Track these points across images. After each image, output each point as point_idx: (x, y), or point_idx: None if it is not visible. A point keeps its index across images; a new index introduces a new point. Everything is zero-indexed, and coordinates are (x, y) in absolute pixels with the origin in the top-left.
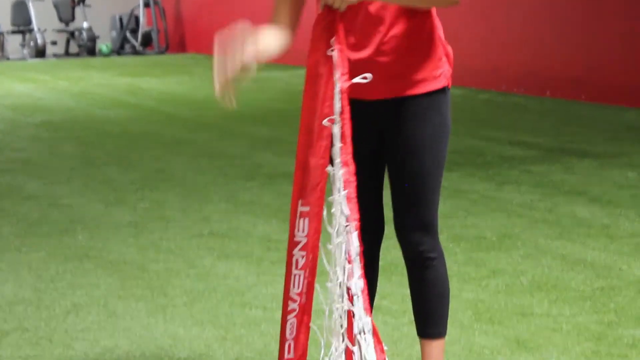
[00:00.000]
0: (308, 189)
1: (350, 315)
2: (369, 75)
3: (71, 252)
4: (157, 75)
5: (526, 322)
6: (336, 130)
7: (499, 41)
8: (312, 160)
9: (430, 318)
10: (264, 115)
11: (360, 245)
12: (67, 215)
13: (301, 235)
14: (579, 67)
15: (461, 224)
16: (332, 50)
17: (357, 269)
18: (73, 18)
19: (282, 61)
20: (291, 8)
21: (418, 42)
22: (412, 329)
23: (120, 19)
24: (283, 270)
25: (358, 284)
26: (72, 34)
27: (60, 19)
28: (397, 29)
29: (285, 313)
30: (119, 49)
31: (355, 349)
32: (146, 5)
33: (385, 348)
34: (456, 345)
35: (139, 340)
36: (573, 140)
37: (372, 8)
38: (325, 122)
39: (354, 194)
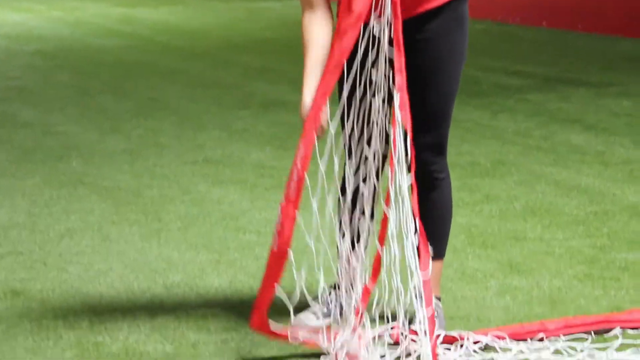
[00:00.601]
0: None
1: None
2: None
3: (65, 178)
4: (152, 5)
5: (519, 246)
6: None
7: None
8: None
9: (430, 239)
10: (257, 45)
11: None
12: (62, 143)
13: None
14: None
15: (456, 151)
16: None
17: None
18: None
19: None
20: None
21: None
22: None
23: None
24: (277, 196)
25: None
26: None
27: None
28: None
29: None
30: None
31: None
32: None
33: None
34: (449, 269)
35: (133, 263)
36: (569, 69)
37: None
38: None
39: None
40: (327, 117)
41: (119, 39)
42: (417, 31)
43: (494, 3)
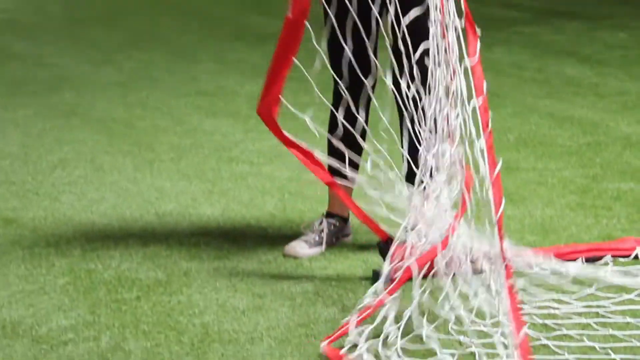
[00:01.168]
0: None
1: None
2: None
3: (58, 109)
4: None
5: (512, 177)
6: None
7: None
8: None
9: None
10: None
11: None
12: (54, 75)
13: None
14: None
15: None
16: None
17: None
18: None
19: None
20: None
21: None
22: None
23: None
24: None
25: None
26: None
27: None
28: None
29: None
30: None
31: None
32: None
33: None
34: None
35: (125, 193)
36: (563, 2)
37: None
38: None
39: None
40: None
41: None
42: None
43: None
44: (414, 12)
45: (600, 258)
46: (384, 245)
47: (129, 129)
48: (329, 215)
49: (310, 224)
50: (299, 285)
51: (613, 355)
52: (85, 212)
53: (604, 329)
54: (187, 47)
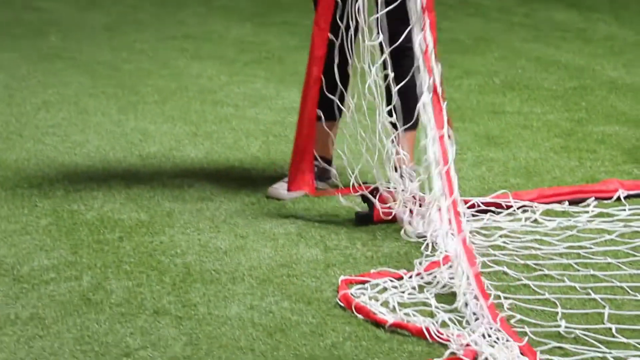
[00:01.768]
0: None
1: None
2: None
3: (43, 53)
4: None
5: (497, 120)
6: None
7: None
8: None
9: (404, 108)
10: None
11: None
12: (41, 18)
13: None
14: None
15: (436, 28)
16: None
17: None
18: None
19: None
20: None
21: None
22: None
23: None
24: (255, 71)
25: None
26: None
27: None
28: None
29: None
30: None
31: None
32: None
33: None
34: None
35: (109, 135)
36: None
37: None
38: None
39: None
40: None
41: None
42: None
43: None
44: None
45: (583, 200)
46: (361, 215)
47: (114, 72)
48: (315, 158)
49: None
50: (281, 227)
51: (593, 295)
52: (68, 154)
53: (585, 270)
54: None
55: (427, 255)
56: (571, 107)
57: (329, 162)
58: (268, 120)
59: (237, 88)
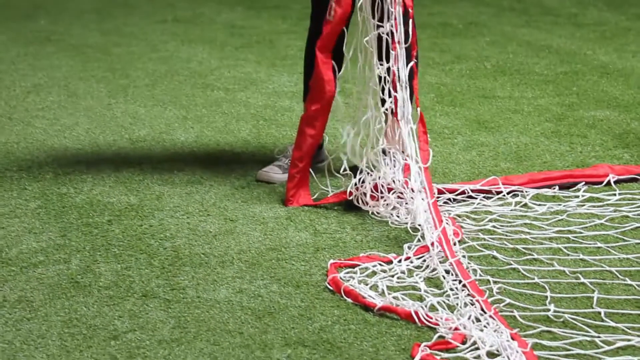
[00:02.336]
0: None
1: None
2: None
3: (33, 36)
4: None
5: (487, 104)
6: None
7: None
8: None
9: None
10: None
11: (414, 34)
12: (30, 1)
13: None
14: None
15: (427, 12)
16: None
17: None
18: None
19: None
20: None
21: None
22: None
23: None
24: (246, 55)
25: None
26: None
27: None
28: None
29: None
30: None
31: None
32: None
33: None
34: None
35: (99, 118)
36: None
37: None
38: None
39: None
40: None
41: None
42: None
43: None
44: None
45: (574, 185)
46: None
47: (104, 55)
48: None
49: (283, 149)
50: (271, 211)
51: (582, 279)
52: (58, 137)
53: (574, 254)
54: None
55: (417, 240)
56: (562, 91)
57: (320, 146)
58: (258, 104)
59: (228, 72)
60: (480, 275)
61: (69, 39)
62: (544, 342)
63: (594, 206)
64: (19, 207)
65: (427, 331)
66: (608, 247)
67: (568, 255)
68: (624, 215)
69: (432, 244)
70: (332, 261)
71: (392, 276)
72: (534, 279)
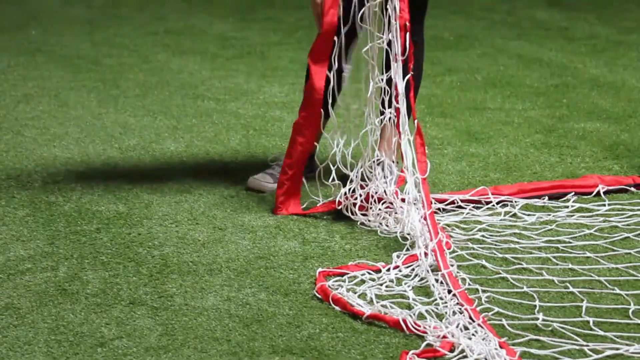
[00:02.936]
0: None
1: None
2: None
3: (24, 46)
4: None
5: (478, 116)
6: None
7: None
8: None
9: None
10: None
11: (411, 46)
12: (22, 11)
13: None
14: None
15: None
16: None
17: (403, 68)
18: None
19: None
20: None
21: None
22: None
23: None
24: (237, 66)
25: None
26: None
27: None
28: None
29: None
30: None
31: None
32: None
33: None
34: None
35: (89, 128)
36: None
37: None
38: None
39: None
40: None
41: None
42: None
43: None
44: None
45: (563, 195)
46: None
47: (95, 66)
48: None
49: (277, 157)
50: (260, 219)
51: (571, 289)
52: (47, 146)
53: (563, 264)
54: None
55: (405, 249)
56: (552, 104)
57: (312, 154)
58: (249, 115)
59: (219, 82)
60: (469, 284)
61: (60, 50)
62: (532, 351)
63: (583, 216)
64: (7, 215)
65: (415, 339)
66: (597, 256)
67: (557, 264)
68: (613, 226)
69: (426, 254)
70: (320, 269)
71: (381, 285)
72: (522, 288)
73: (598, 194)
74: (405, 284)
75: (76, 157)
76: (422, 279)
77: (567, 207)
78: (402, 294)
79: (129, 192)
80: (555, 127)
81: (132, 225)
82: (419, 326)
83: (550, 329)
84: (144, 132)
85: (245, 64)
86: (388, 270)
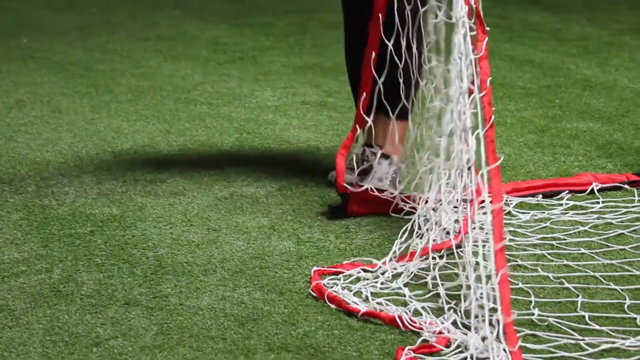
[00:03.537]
0: None
1: None
2: None
3: (16, 53)
4: None
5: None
6: None
7: None
8: None
9: (406, 98)
10: None
11: None
12: (13, 19)
13: None
14: None
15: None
16: None
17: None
18: None
19: None
20: None
21: None
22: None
23: None
24: (230, 71)
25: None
26: None
27: None
28: None
29: None
30: None
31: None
32: None
33: None
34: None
35: (82, 133)
36: None
37: None
38: None
39: None
40: None
41: None
42: None
43: None
44: None
45: (557, 193)
46: (334, 207)
47: (87, 72)
48: (368, 145)
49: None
50: (254, 220)
51: (567, 284)
52: (40, 151)
53: (558, 260)
54: None
55: (401, 246)
56: (545, 104)
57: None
58: (242, 118)
59: (211, 87)
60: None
61: (52, 57)
62: (529, 345)
63: (577, 214)
64: (1, 218)
65: (411, 335)
66: (592, 253)
67: (552, 261)
68: (607, 222)
69: (425, 249)
70: (315, 268)
71: (376, 282)
72: (518, 284)
73: (592, 191)
74: (400, 281)
75: (69, 161)
76: (416, 276)
77: (562, 204)
78: (398, 291)
79: (123, 195)
80: (548, 127)
81: (126, 228)
82: (415, 322)
83: (546, 324)
84: (137, 137)
85: (238, 69)
86: (384, 273)
